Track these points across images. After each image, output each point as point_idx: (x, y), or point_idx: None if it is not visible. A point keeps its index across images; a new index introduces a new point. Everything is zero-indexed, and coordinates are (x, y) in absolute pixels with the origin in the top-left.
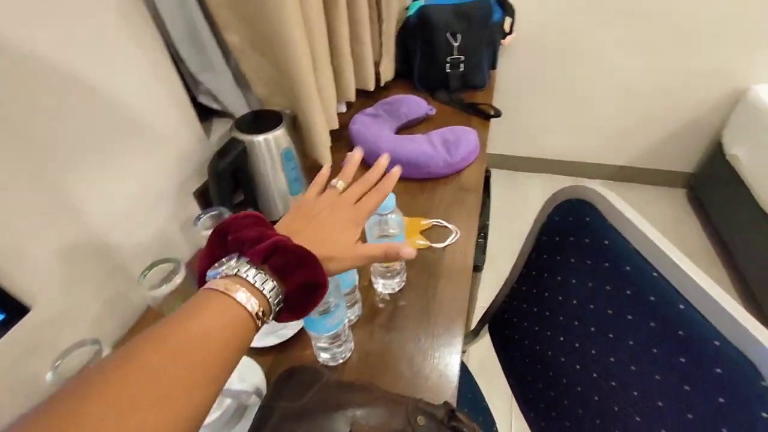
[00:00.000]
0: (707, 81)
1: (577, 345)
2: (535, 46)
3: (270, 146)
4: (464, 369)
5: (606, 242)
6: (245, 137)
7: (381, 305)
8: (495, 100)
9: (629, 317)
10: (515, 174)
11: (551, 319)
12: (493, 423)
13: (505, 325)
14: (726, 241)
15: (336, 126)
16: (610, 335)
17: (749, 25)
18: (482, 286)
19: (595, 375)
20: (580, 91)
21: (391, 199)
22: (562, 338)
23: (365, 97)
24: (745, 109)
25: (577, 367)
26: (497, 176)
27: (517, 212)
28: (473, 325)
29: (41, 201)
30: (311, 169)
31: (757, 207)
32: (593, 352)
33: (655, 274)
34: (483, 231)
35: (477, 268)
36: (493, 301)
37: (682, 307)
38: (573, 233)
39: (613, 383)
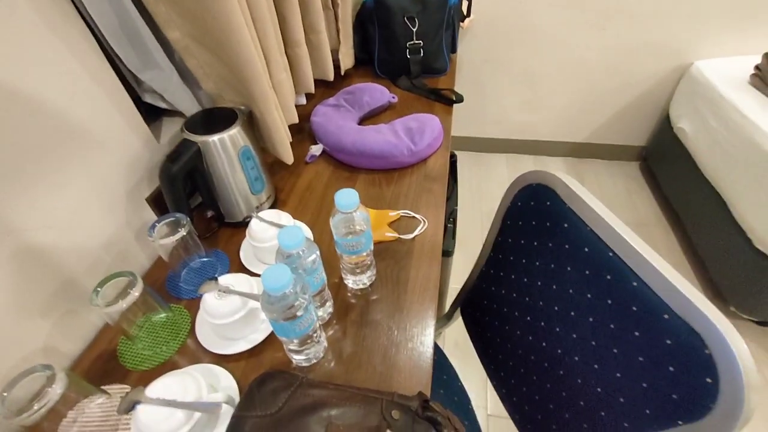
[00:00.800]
0: (654, 58)
1: (542, 324)
2: (492, 28)
3: (226, 146)
4: (439, 352)
5: (566, 225)
6: (198, 138)
7: (353, 301)
8: (457, 84)
9: (588, 296)
10: (480, 155)
11: (518, 300)
12: (468, 401)
13: (476, 307)
14: (676, 209)
15: (295, 120)
16: (572, 313)
17: (693, 4)
18: (454, 268)
19: (559, 351)
20: (537, 70)
21: (354, 197)
22: (528, 318)
23: (326, 87)
24: (688, 84)
25: (544, 344)
26: (463, 158)
27: (484, 193)
28: (447, 308)
29: None
30: (273, 164)
31: (702, 177)
32: (557, 329)
33: (611, 254)
34: (452, 216)
35: (447, 253)
36: (464, 284)
37: (635, 284)
38: (535, 217)
39: (576, 358)
